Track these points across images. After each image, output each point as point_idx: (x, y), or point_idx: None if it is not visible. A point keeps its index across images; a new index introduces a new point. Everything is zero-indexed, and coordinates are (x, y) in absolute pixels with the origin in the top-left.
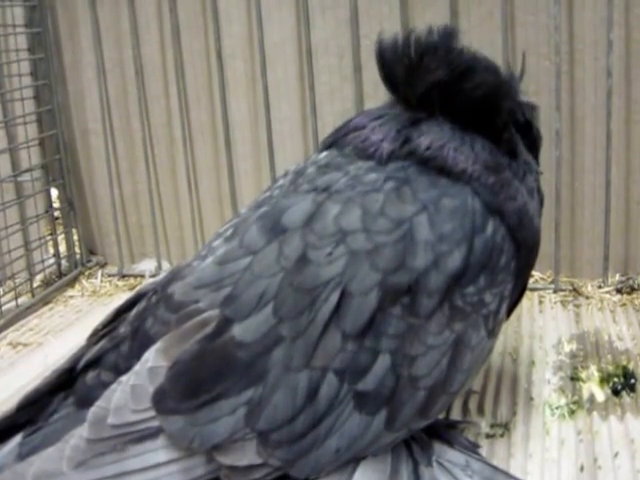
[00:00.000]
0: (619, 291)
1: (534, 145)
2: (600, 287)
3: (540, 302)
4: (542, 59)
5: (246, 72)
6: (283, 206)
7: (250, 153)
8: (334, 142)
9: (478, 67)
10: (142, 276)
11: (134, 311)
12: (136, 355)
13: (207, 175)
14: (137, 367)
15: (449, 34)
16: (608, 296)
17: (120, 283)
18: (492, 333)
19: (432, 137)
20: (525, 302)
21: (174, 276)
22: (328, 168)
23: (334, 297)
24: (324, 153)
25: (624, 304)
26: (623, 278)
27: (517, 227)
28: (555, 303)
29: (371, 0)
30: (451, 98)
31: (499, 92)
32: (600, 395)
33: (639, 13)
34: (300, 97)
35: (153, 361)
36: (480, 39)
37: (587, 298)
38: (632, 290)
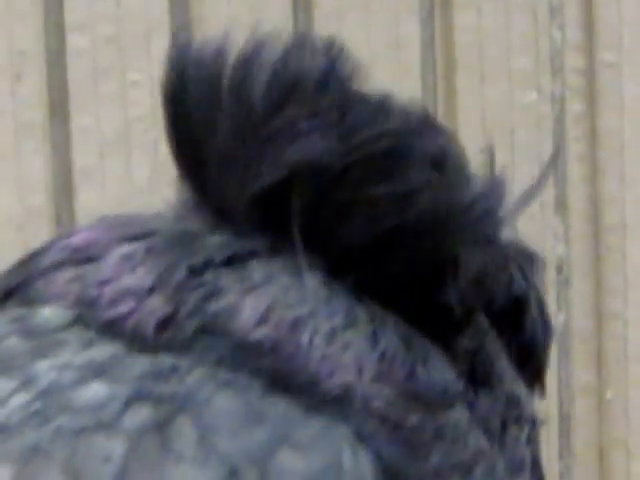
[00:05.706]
0: None
1: (528, 354)
2: None
3: None
4: None
5: None
6: None
7: None
8: (14, 291)
9: (417, 141)
10: None
11: None
12: None
13: None
14: None
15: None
16: None
17: None
18: None
19: (271, 295)
20: None
21: None
22: None
23: None
24: None
25: None
26: None
27: None
28: None
29: None
30: (341, 209)
31: (460, 219)
32: None
33: None
34: None
35: None
36: None
37: None
38: None
